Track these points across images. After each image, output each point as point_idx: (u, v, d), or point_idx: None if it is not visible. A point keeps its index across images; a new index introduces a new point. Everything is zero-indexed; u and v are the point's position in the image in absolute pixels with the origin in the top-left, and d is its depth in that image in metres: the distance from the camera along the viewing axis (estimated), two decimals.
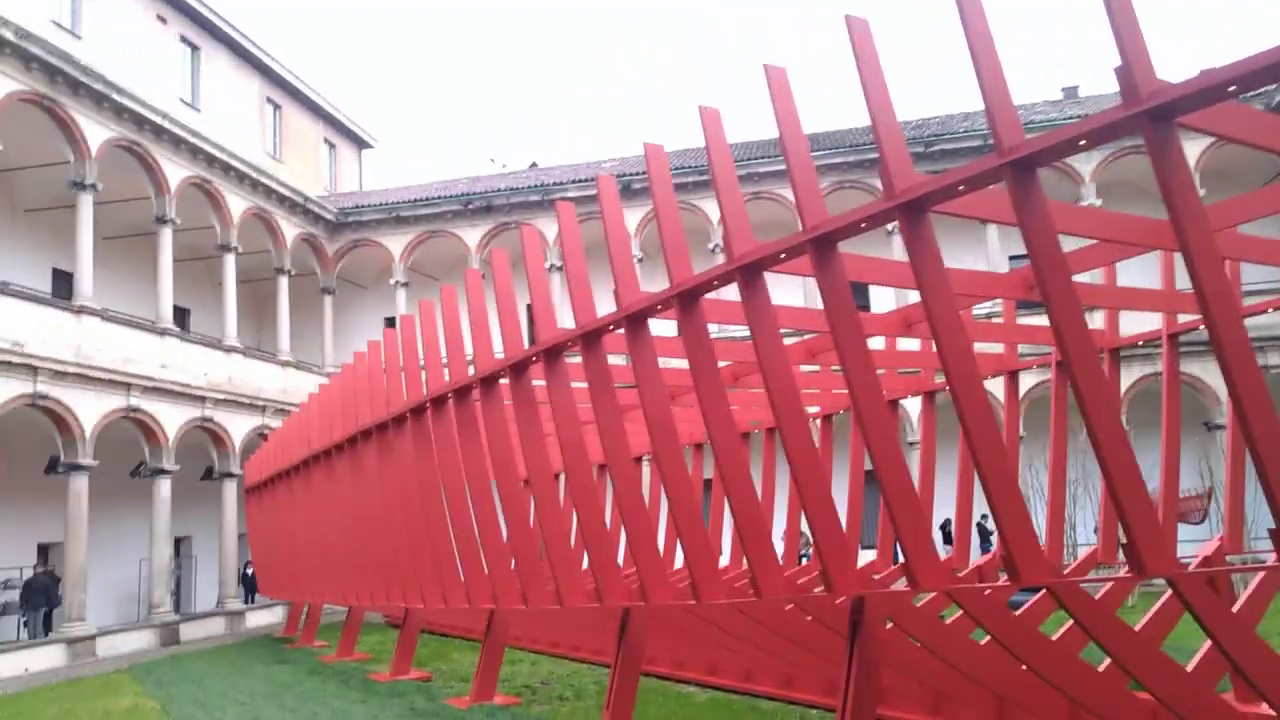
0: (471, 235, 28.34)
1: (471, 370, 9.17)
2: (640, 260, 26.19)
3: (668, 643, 11.47)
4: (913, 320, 7.68)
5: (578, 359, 7.63)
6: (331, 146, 33.16)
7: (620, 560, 9.63)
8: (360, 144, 35.12)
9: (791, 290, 21.71)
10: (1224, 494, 7.75)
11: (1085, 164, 23.82)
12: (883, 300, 23.51)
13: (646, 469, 16.05)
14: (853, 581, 5.77)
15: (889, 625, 6.76)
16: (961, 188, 4.42)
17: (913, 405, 18.73)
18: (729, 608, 7.48)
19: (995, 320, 9.99)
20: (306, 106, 31.14)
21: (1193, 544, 9.24)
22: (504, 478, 8.92)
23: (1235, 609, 6.49)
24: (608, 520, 9.94)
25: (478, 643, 11.54)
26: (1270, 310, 7.75)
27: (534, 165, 35.51)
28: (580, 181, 27.11)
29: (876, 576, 9.76)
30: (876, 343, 10.18)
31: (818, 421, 11.70)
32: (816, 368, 10.16)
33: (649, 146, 6.58)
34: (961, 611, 6.48)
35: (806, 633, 7.97)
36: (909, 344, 9.94)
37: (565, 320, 8.28)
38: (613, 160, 30.63)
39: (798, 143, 5.12)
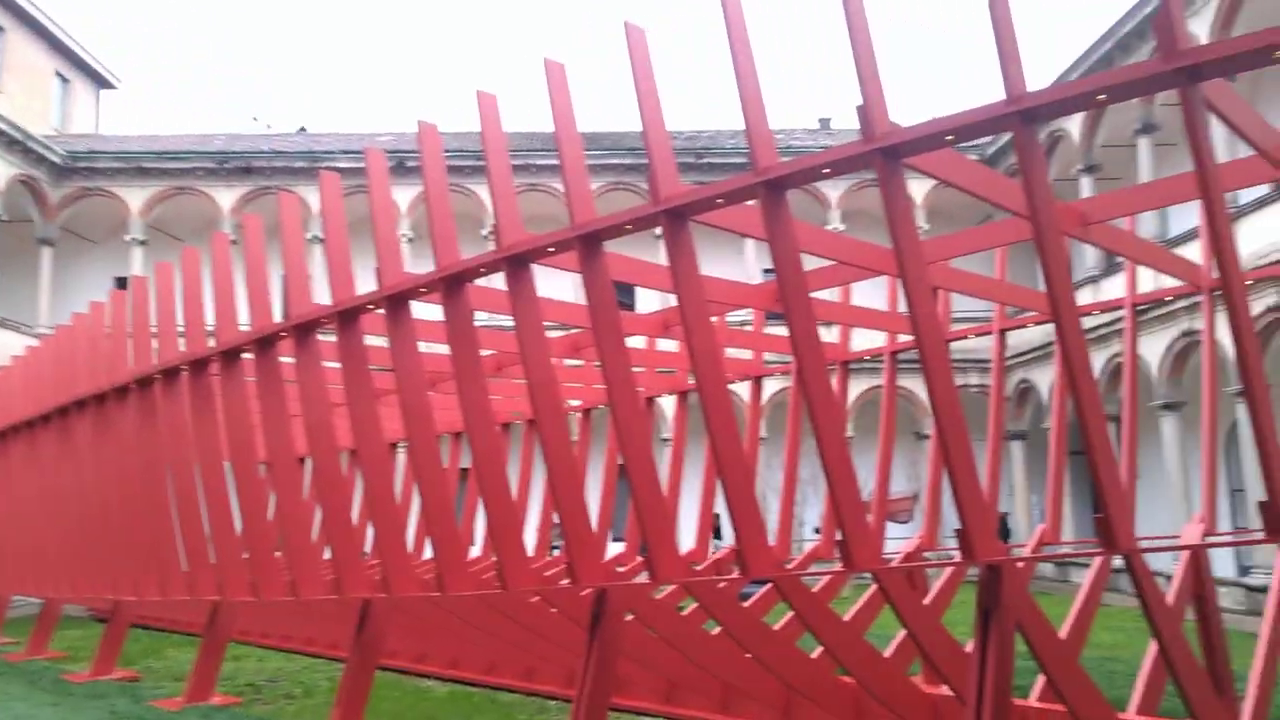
0: (226, 196, 26.36)
1: (212, 342, 8.54)
2: (410, 240, 25.48)
3: (410, 636, 11.24)
4: (671, 323, 7.99)
5: (332, 338, 7.31)
6: (65, 81, 29.71)
7: (370, 550, 9.33)
8: (100, 82, 31.71)
9: (562, 284, 21.91)
10: (925, 497, 8.67)
11: (833, 190, 25.83)
12: (649, 302, 24.28)
13: (402, 456, 15.63)
14: (597, 574, 5.93)
15: (629, 617, 7.02)
16: (720, 200, 4.67)
17: (668, 403, 19.55)
18: (474, 600, 7.46)
19: (746, 329, 10.60)
20: (36, 32, 27.72)
21: (901, 541, 10.27)
22: (240, 460, 8.37)
23: (926, 601, 7.29)
24: (355, 508, 9.58)
25: (199, 638, 10.74)
26: (971, 336, 8.79)
27: (303, 130, 33.55)
28: (352, 153, 25.95)
29: (620, 569, 10.11)
30: (638, 342, 10.54)
31: (578, 415, 11.92)
32: (581, 362, 10.33)
33: (423, 124, 6.42)
34: (696, 604, 6.85)
35: (550, 625, 8.09)
36: (669, 345, 10.34)
37: (324, 297, 7.90)
38: (390, 134, 29.56)
39: (571, 139, 5.19)
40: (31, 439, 12.80)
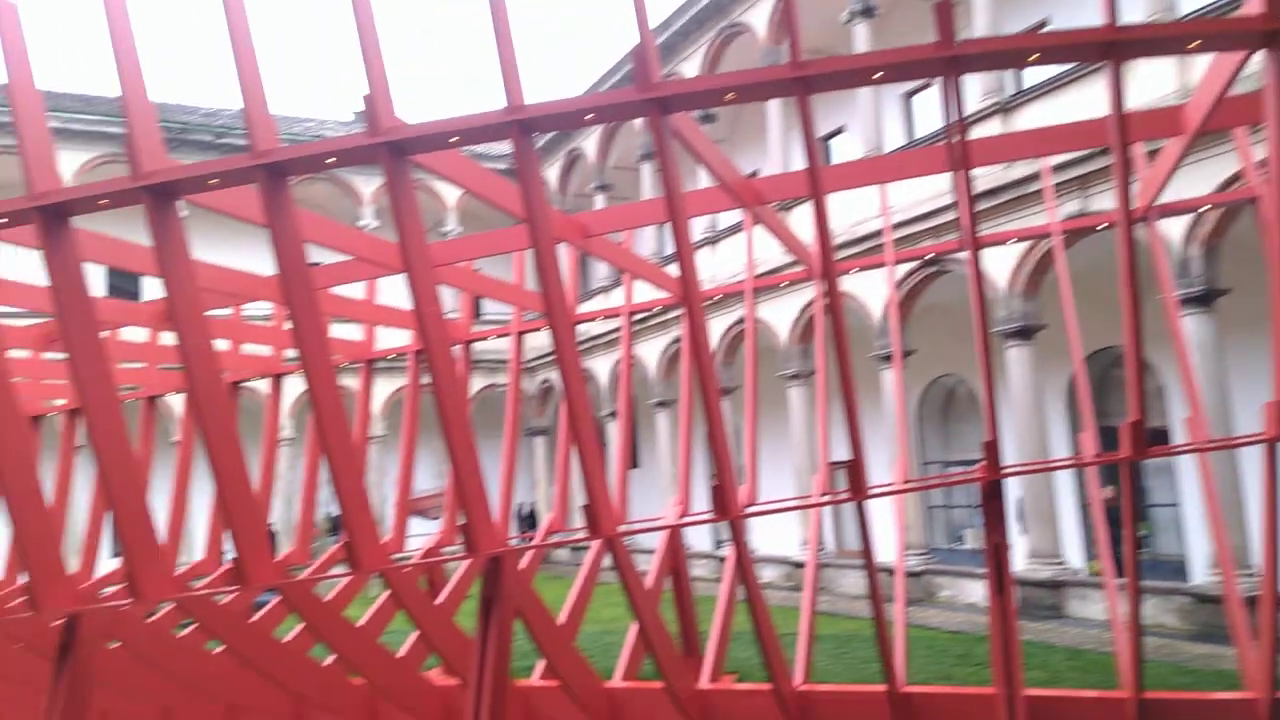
0: None
1: None
2: None
3: None
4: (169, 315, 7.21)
5: None
6: None
7: None
8: None
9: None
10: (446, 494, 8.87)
11: (366, 186, 25.42)
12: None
13: None
14: (64, 599, 5.13)
15: (115, 645, 6.21)
16: (214, 181, 4.30)
17: (177, 402, 17.70)
18: None
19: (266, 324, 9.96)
20: None
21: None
22: None
23: (440, 598, 7.45)
24: None
25: None
26: (493, 337, 9.21)
27: None
28: None
29: (106, 591, 8.89)
30: (139, 333, 9.38)
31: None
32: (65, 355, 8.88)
33: None
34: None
35: (11, 662, 6.86)
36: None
37: None
38: None
39: (27, 89, 4.43)
40: None
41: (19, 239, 5.01)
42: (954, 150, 4.72)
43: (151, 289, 22.22)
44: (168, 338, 9.72)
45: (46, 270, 4.61)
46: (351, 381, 12.61)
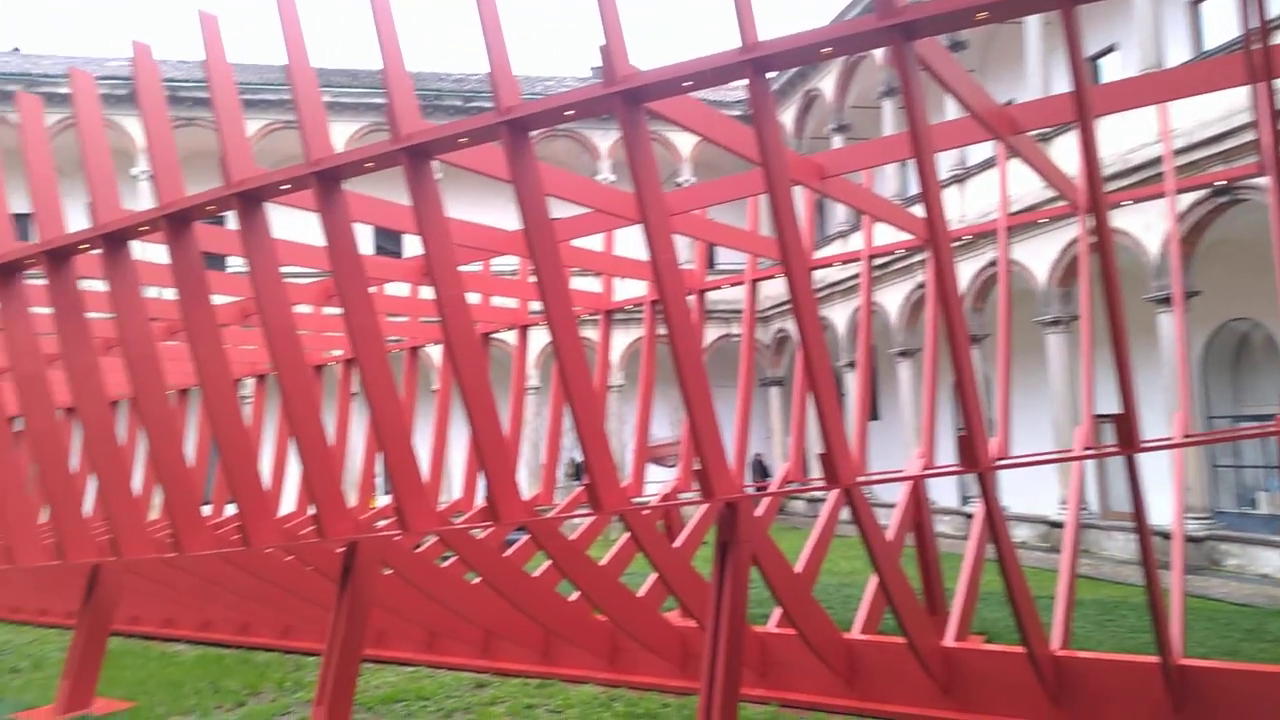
0: None
1: None
2: (152, 179, 23.22)
3: (155, 601, 10.48)
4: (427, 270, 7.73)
5: (42, 281, 6.53)
6: None
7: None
8: None
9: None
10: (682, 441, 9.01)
11: (602, 140, 25.93)
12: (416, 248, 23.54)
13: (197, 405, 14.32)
14: (344, 528, 5.70)
15: (388, 571, 6.84)
16: (463, 140, 4.51)
17: (436, 352, 19.19)
18: (220, 559, 7.01)
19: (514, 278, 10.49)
20: None
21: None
22: None
23: (678, 542, 7.60)
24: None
25: None
26: (726, 286, 9.16)
27: (16, 50, 29.56)
28: None
29: (383, 522, 9.84)
30: (402, 288, 10.18)
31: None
32: (340, 310, 9.83)
33: (137, 45, 5.76)
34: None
35: (303, 581, 7.77)
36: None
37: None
38: (123, 59, 26.60)
39: (303, 66, 4.84)
40: None
41: (299, 203, 5.54)
42: (1254, 59, 4.09)
43: (411, 247, 24.04)
44: (427, 292, 10.50)
45: (323, 230, 5.06)
46: (591, 333, 13.06)
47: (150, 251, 7.07)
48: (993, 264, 17.00)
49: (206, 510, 8.43)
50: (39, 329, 6.78)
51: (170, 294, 6.55)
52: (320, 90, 5.20)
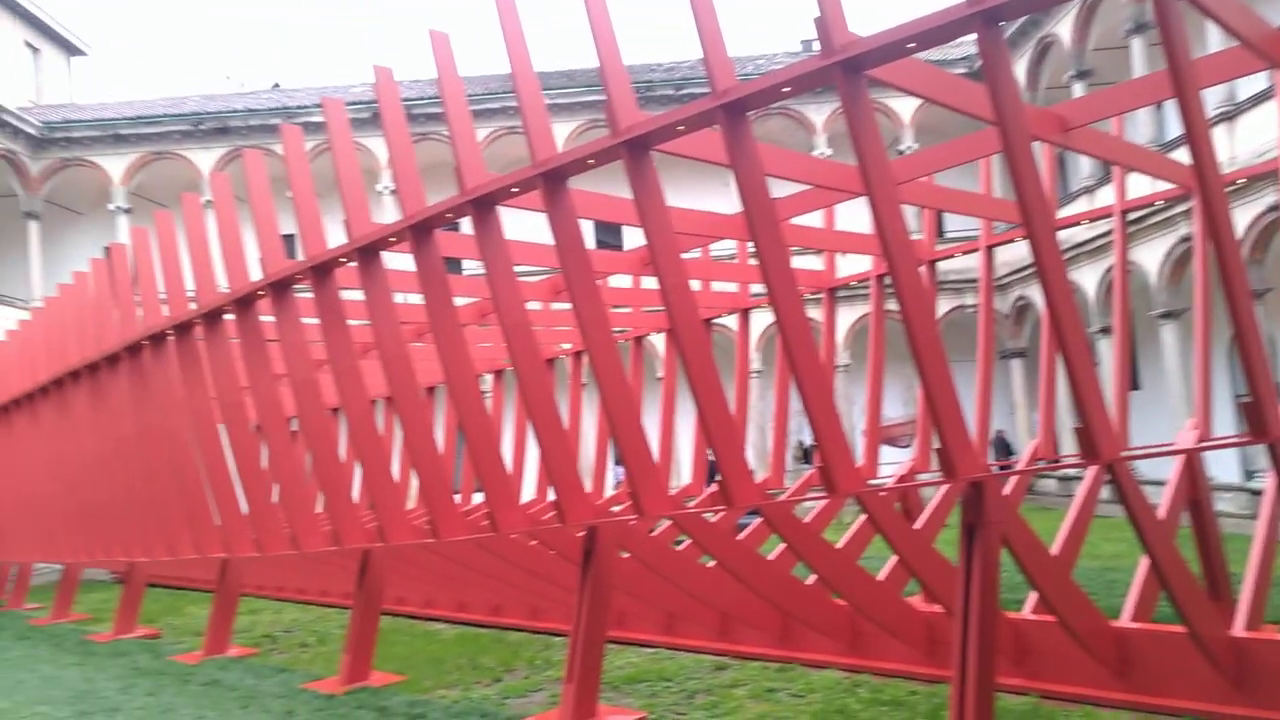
0: (204, 158, 26.01)
1: (193, 305, 8.47)
2: (394, 192, 25.18)
3: (417, 582, 11.35)
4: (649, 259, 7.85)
5: (310, 294, 7.23)
6: (35, 51, 29.07)
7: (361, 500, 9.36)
8: (70, 50, 31.02)
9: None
10: (918, 420, 8.61)
11: (817, 115, 25.28)
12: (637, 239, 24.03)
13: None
14: (584, 513, 5.92)
15: (625, 555, 7.03)
16: (681, 127, 4.52)
17: (659, 340, 19.48)
18: (472, 544, 7.49)
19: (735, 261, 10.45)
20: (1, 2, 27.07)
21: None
22: (232, 419, 8.37)
23: (919, 523, 7.28)
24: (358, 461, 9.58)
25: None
26: (958, 255, 8.65)
27: (276, 86, 32.96)
28: None
29: (615, 509, 10.14)
30: (623, 280, 10.41)
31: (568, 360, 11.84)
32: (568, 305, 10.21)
33: (379, 69, 6.23)
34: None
35: (548, 565, 8.14)
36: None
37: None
38: (364, 85, 29.01)
39: (527, 74, 5.02)
40: (32, 411, 12.81)
41: (527, 204, 5.78)
42: None
43: (630, 239, 24.59)
44: (648, 282, 10.67)
45: (551, 228, 5.26)
46: (814, 313, 12.77)
47: (396, 260, 7.61)
48: (1272, 209, 15.04)
49: (455, 499, 9.04)
50: (308, 338, 7.52)
51: (416, 298, 7.09)
52: (543, 95, 5.39)
